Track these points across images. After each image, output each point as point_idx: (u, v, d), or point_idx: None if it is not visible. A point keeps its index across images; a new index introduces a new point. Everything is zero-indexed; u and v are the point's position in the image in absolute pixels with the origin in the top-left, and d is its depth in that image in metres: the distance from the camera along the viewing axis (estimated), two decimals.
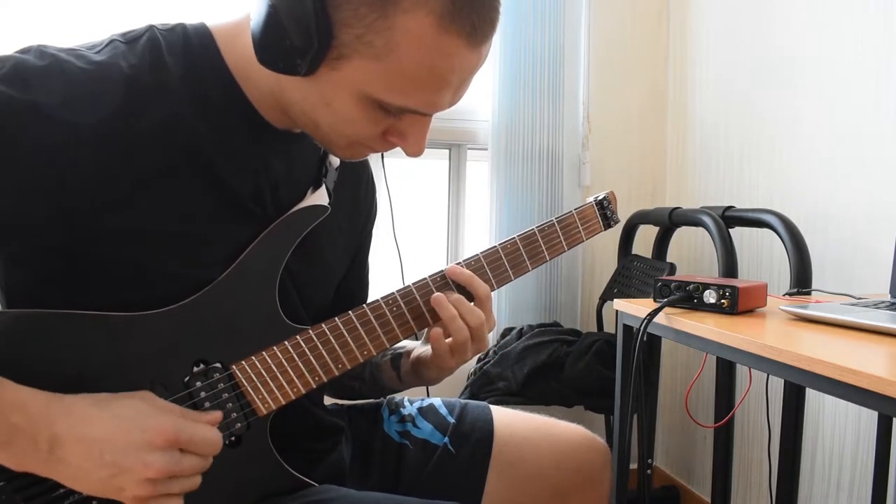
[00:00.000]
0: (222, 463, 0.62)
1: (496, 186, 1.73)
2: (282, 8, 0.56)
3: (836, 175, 1.36)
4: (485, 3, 0.58)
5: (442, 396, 0.95)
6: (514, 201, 1.74)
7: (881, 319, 0.80)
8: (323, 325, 0.70)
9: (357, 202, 0.84)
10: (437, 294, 0.73)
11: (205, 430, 0.60)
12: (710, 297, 0.93)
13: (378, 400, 0.94)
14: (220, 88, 0.66)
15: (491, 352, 1.60)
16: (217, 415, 0.63)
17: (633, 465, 1.72)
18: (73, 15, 1.51)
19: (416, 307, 0.73)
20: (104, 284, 0.61)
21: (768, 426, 1.41)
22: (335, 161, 0.79)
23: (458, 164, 1.83)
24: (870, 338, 0.77)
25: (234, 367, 0.66)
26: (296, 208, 0.70)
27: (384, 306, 0.72)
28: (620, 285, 1.64)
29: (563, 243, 0.82)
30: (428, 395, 0.96)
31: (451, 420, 0.89)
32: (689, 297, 0.95)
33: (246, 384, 0.66)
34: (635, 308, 1.00)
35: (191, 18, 0.69)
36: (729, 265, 1.34)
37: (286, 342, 0.68)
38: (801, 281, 1.20)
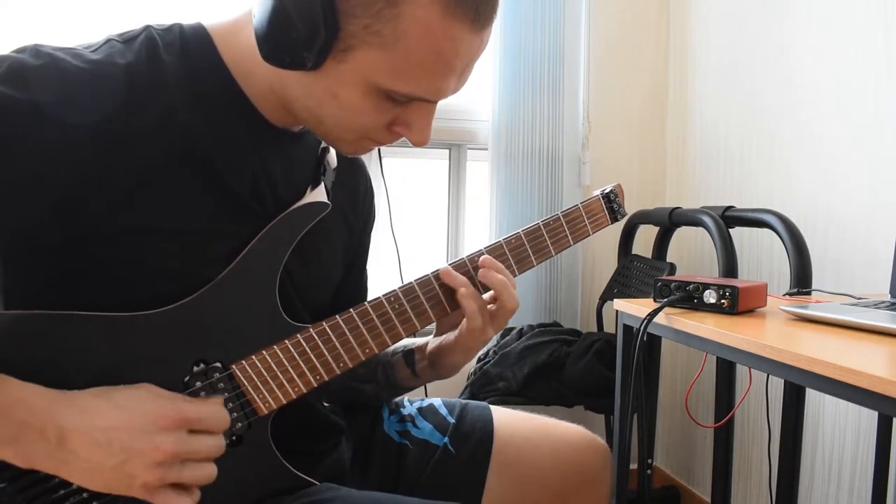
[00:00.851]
0: (223, 462, 0.62)
1: (496, 186, 1.73)
2: (288, 2, 0.56)
3: (836, 175, 1.36)
4: None
5: (442, 396, 0.95)
6: (514, 201, 1.74)
7: (881, 319, 0.80)
8: (324, 324, 0.69)
9: (355, 205, 0.84)
10: (482, 271, 0.74)
11: (210, 406, 0.61)
12: (710, 297, 0.93)
13: None
14: (218, 87, 0.66)
15: (491, 352, 1.60)
16: (219, 399, 0.63)
17: (633, 466, 1.72)
18: (72, 15, 1.51)
19: (418, 304, 0.73)
20: (104, 284, 0.61)
21: (768, 426, 1.41)
22: (333, 162, 0.78)
23: (458, 164, 1.83)
24: (870, 338, 0.77)
25: (234, 366, 0.66)
26: (296, 206, 0.70)
27: (386, 304, 0.72)
28: (620, 285, 1.64)
29: (569, 237, 0.80)
30: (426, 395, 0.95)
31: (451, 420, 0.89)
32: (689, 297, 0.95)
33: (246, 384, 0.66)
34: (635, 308, 1.00)
35: (188, 19, 0.69)
36: (729, 265, 1.34)
37: (286, 341, 0.68)
38: (801, 281, 1.20)
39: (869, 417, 1.27)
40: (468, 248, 1.83)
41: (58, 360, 0.59)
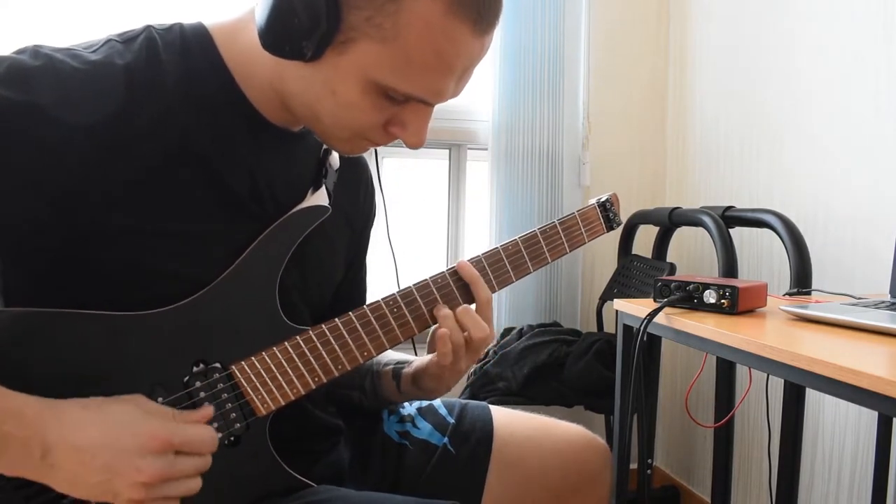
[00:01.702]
0: (221, 463, 0.62)
1: (496, 186, 1.73)
2: None
3: (836, 175, 1.36)
4: None
5: (441, 397, 0.95)
6: (514, 201, 1.74)
7: (881, 319, 0.80)
8: (323, 326, 0.69)
9: (356, 205, 0.84)
10: (443, 311, 0.73)
11: (198, 429, 0.60)
12: (710, 297, 0.93)
13: None
14: (217, 87, 0.66)
15: (491, 352, 1.60)
16: (208, 410, 0.63)
17: (633, 465, 1.72)
18: (72, 15, 1.51)
19: (416, 308, 0.73)
20: (103, 284, 0.61)
21: (768, 426, 1.41)
22: (335, 162, 0.78)
23: (458, 164, 1.83)
24: (870, 338, 0.77)
25: (233, 367, 0.66)
26: (296, 209, 0.70)
27: (384, 307, 0.72)
28: (620, 285, 1.64)
29: (566, 245, 0.81)
30: None
31: (451, 420, 0.89)
32: (689, 297, 0.95)
33: (245, 384, 0.66)
34: (635, 308, 1.00)
35: (189, 19, 0.69)
36: (729, 265, 1.34)
37: (286, 343, 0.68)
38: (801, 281, 1.20)
39: (869, 417, 1.27)
40: (468, 248, 1.84)
41: (57, 359, 0.59)
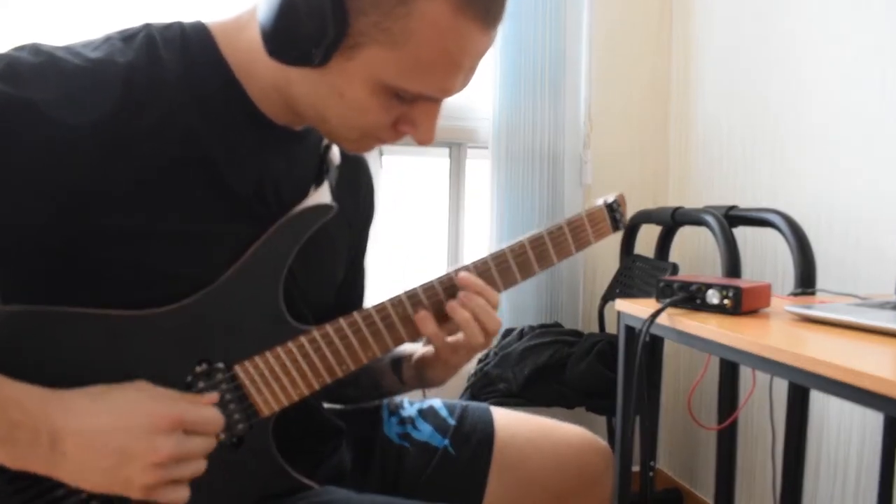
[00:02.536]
0: (224, 463, 0.62)
1: (497, 185, 1.73)
2: (295, 2, 0.56)
3: (840, 174, 1.35)
4: None
5: (442, 398, 0.94)
6: (514, 200, 1.74)
7: (887, 320, 0.79)
8: (327, 327, 0.69)
9: (357, 203, 0.84)
10: (451, 303, 0.72)
11: (206, 408, 0.61)
12: (713, 297, 0.92)
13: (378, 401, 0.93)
14: (219, 85, 0.65)
15: (491, 353, 1.59)
16: (214, 395, 0.63)
17: (636, 468, 1.71)
18: (72, 15, 1.51)
19: (422, 308, 0.72)
20: (104, 284, 0.61)
21: (772, 428, 1.40)
22: (336, 159, 0.78)
23: (458, 163, 1.83)
24: (875, 339, 0.77)
25: (236, 367, 0.65)
26: (300, 207, 0.69)
27: (389, 308, 0.71)
28: (622, 285, 1.63)
29: (572, 246, 0.80)
30: (424, 397, 0.95)
31: (452, 422, 0.89)
32: (691, 298, 0.94)
33: (248, 385, 0.65)
34: (637, 308, 0.99)
35: (190, 18, 0.69)
36: (732, 265, 1.34)
37: (290, 343, 0.67)
38: (806, 281, 1.19)
39: (874, 419, 1.26)
40: (468, 247, 1.83)
41: (59, 358, 0.59)
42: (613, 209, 0.84)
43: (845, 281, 1.31)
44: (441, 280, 0.73)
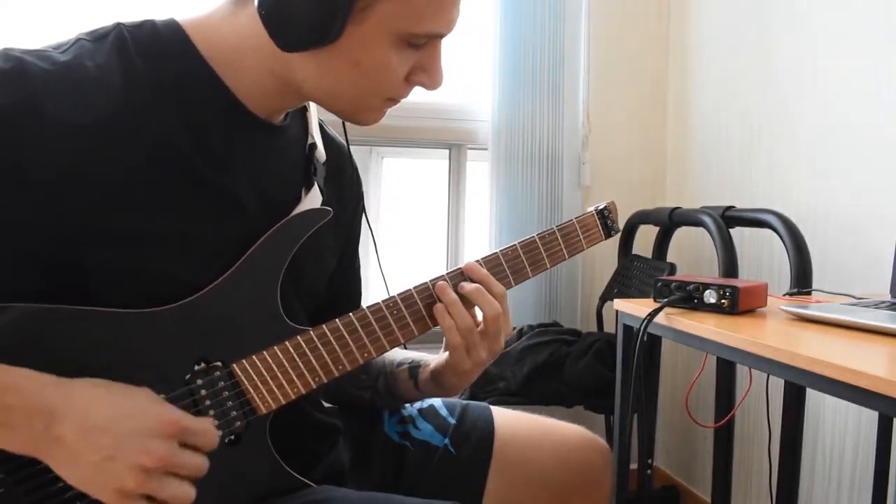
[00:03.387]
0: (221, 461, 0.62)
1: (496, 186, 1.73)
2: None
3: (836, 175, 1.36)
4: None
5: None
6: (514, 201, 1.74)
7: (881, 319, 0.80)
8: (324, 327, 0.70)
9: (342, 197, 0.83)
10: (449, 296, 0.73)
11: (205, 422, 0.61)
12: (710, 297, 0.93)
13: None
14: (198, 81, 0.65)
15: None
16: (211, 421, 0.63)
17: (633, 466, 1.72)
18: (72, 14, 1.51)
19: (416, 310, 0.73)
20: (94, 285, 0.61)
21: (768, 426, 1.41)
22: (321, 157, 0.78)
23: (458, 164, 1.83)
24: (870, 338, 0.77)
25: (234, 365, 0.66)
26: (297, 211, 0.70)
27: (384, 309, 0.72)
28: (620, 285, 1.64)
29: (564, 251, 0.82)
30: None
31: (452, 421, 0.89)
32: (689, 297, 0.95)
33: (246, 383, 0.66)
34: (635, 308, 1.00)
35: (181, 14, 0.68)
36: (729, 265, 1.34)
37: (287, 342, 0.68)
38: (802, 281, 1.20)
39: (869, 418, 1.27)
40: (468, 248, 1.84)
41: (59, 355, 0.59)
42: (605, 216, 0.85)
43: (841, 281, 1.32)
44: (434, 282, 0.74)
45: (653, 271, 1.57)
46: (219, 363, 0.65)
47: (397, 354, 0.87)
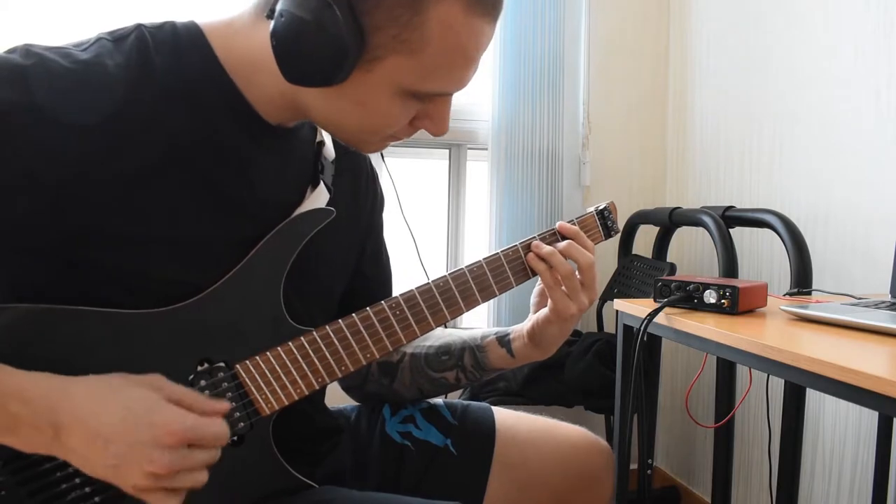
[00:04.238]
0: (224, 462, 0.62)
1: (496, 186, 1.73)
2: (313, 30, 0.57)
3: (836, 175, 1.36)
4: None
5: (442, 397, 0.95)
6: (513, 201, 1.74)
7: (882, 319, 0.80)
8: (327, 328, 0.70)
9: (357, 194, 0.84)
10: (544, 249, 0.77)
11: (214, 424, 0.59)
12: (710, 297, 0.93)
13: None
14: (212, 86, 0.65)
15: None
16: (225, 405, 0.62)
17: (634, 466, 1.72)
18: (72, 15, 1.51)
19: (418, 311, 0.73)
20: (99, 287, 0.61)
21: (769, 426, 1.41)
22: (330, 154, 0.78)
23: (458, 164, 1.83)
24: (870, 338, 0.77)
25: (237, 366, 0.66)
26: (300, 211, 0.70)
27: (388, 310, 0.72)
28: (620, 285, 1.64)
29: None
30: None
31: (453, 421, 0.89)
32: (689, 298, 0.95)
33: (249, 384, 0.66)
34: (635, 308, 1.00)
35: (184, 18, 0.68)
36: (729, 265, 1.35)
37: (290, 343, 0.68)
38: (802, 281, 1.20)
39: (869, 417, 1.27)
40: (468, 248, 1.84)
41: (62, 356, 0.59)
42: (605, 216, 0.85)
43: (840, 281, 1.32)
44: (437, 282, 0.74)
45: (653, 271, 1.57)
46: (222, 364, 0.65)
47: (474, 331, 0.87)
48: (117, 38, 0.63)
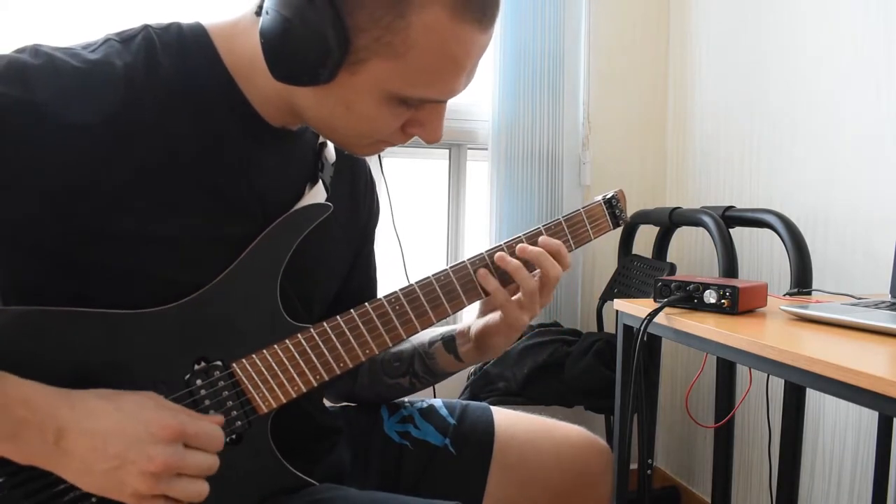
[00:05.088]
0: (223, 461, 0.62)
1: (496, 186, 1.73)
2: (295, 27, 0.57)
3: (836, 175, 1.36)
4: None
5: (442, 397, 0.95)
6: (514, 201, 1.74)
7: (881, 319, 0.80)
8: (325, 324, 0.69)
9: (356, 199, 0.84)
10: (500, 253, 0.75)
11: (208, 424, 0.61)
12: (710, 297, 0.93)
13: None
14: (216, 87, 0.65)
15: None
16: (219, 418, 0.63)
17: (634, 466, 1.72)
18: (72, 15, 1.51)
19: (418, 305, 0.73)
20: (99, 286, 0.61)
21: (769, 426, 1.41)
22: (331, 156, 0.78)
23: (458, 164, 1.83)
24: (870, 338, 0.77)
25: (234, 365, 0.66)
26: (297, 207, 0.70)
27: (387, 305, 0.72)
28: (620, 285, 1.64)
29: (571, 242, 0.80)
30: (432, 396, 0.95)
31: (452, 421, 0.89)
32: (689, 298, 0.95)
33: (246, 382, 0.66)
34: (635, 308, 1.00)
35: (189, 18, 0.69)
36: (729, 265, 1.34)
37: (287, 340, 0.68)
38: (802, 281, 1.20)
39: (869, 417, 1.27)
40: (468, 248, 1.84)
41: (60, 357, 0.59)
42: (612, 205, 0.83)
43: (840, 281, 1.32)
44: (437, 276, 0.74)
45: (653, 271, 1.57)
46: (218, 362, 0.65)
47: (423, 335, 0.86)
48: (125, 39, 0.64)
